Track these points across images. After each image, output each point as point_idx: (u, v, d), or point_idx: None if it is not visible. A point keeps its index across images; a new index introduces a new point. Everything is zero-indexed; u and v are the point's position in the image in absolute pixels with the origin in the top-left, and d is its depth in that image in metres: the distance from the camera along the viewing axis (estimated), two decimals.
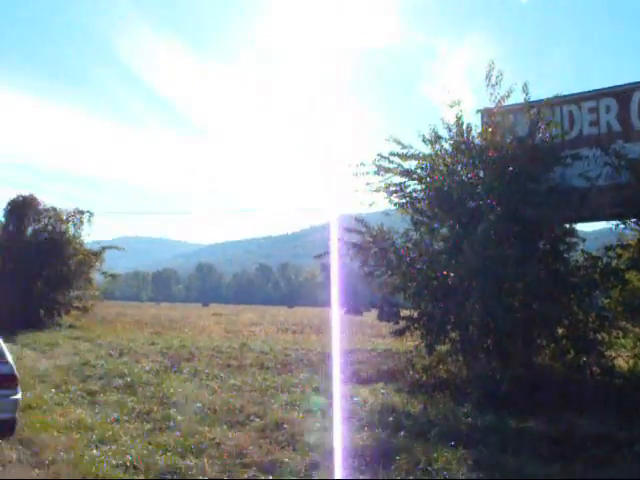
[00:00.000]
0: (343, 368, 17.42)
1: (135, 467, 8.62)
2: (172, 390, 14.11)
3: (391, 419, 10.97)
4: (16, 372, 10.53)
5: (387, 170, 15.47)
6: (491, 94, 14.85)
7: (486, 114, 15.35)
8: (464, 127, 14.92)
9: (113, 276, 41.84)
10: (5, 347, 10.90)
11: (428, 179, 15.07)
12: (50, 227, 37.92)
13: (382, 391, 13.96)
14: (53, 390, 14.58)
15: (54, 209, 38.34)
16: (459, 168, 14.90)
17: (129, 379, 15.82)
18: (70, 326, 35.56)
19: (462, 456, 8.64)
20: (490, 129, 14.66)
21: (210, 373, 17.04)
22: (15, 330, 29.00)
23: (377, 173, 15.56)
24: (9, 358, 10.62)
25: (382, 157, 15.47)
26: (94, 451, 9.30)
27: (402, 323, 15.25)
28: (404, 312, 15.48)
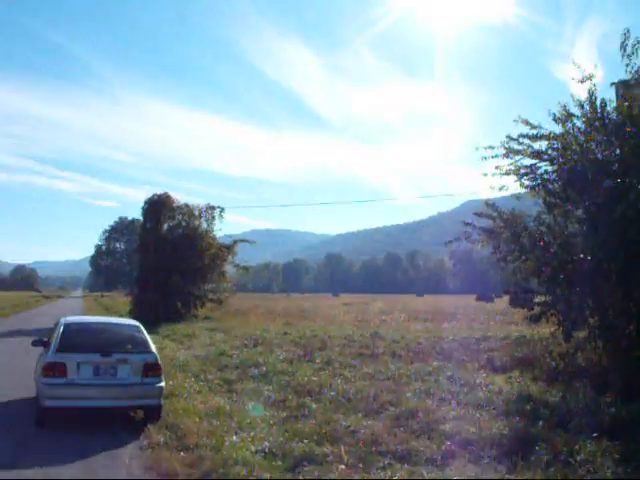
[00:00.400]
0: (476, 356, 17.10)
1: (274, 453, 8.81)
2: (306, 379, 14.29)
3: (528, 408, 10.63)
4: (160, 361, 11.02)
5: (516, 152, 14.95)
6: (627, 65, 14.00)
7: (622, 87, 14.54)
8: (597, 102, 14.17)
9: (245, 268, 42.88)
10: (149, 338, 11.44)
11: (560, 159, 14.43)
12: (184, 223, 39.41)
13: (518, 379, 13.58)
14: (193, 379, 15.14)
15: (187, 205, 39.80)
16: (593, 146, 14.16)
17: (264, 368, 16.17)
18: (206, 318, 36.79)
19: (607, 448, 8.20)
20: (627, 103, 13.83)
21: (343, 362, 17.10)
22: (156, 322, 30.38)
23: (506, 156, 15.06)
24: (153, 348, 11.13)
25: (511, 139, 14.97)
26: (234, 437, 9.57)
27: (537, 309, 14.73)
28: (539, 298, 14.95)
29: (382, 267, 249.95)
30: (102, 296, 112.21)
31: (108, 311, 52.33)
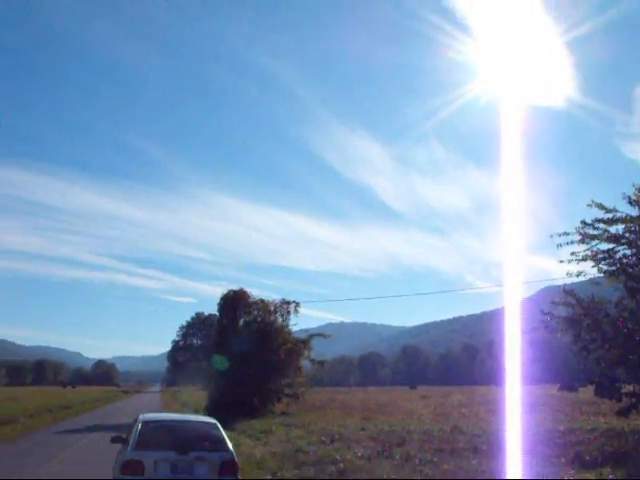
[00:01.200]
0: (563, 450, 16.35)
1: None
2: (385, 476, 13.90)
3: None
4: (236, 459, 10.91)
5: (592, 237, 14.73)
6: None
7: None
8: None
9: (321, 363, 42.70)
10: (226, 435, 11.38)
11: (639, 242, 14.11)
12: (260, 318, 39.73)
13: (610, 476, 12.88)
14: (269, 476, 14.94)
15: (262, 301, 40.21)
16: None
17: (341, 465, 15.79)
18: (282, 413, 36.51)
19: None
20: None
21: (422, 458, 16.57)
22: (232, 417, 30.28)
23: (582, 242, 14.86)
24: (230, 446, 11.05)
25: (586, 224, 14.78)
26: None
27: (625, 400, 14.10)
28: (626, 387, 14.33)
29: (459, 358, 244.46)
30: (179, 391, 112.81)
31: (185, 406, 52.52)
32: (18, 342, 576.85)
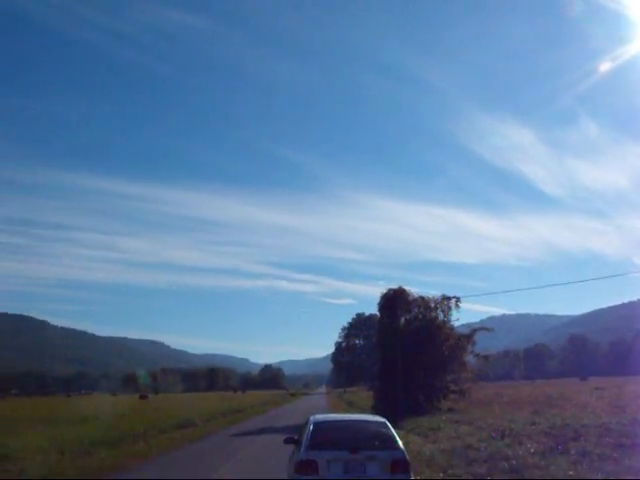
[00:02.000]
0: None
1: None
2: (561, 472, 13.45)
3: None
4: (408, 458, 10.92)
5: None
6: None
7: None
8: None
9: (486, 357, 42.04)
10: (395, 433, 11.43)
11: None
12: (420, 315, 39.64)
13: None
14: (440, 474, 14.83)
15: (422, 298, 40.11)
16: None
17: (514, 462, 15.41)
18: (449, 410, 36.21)
19: None
20: None
21: (601, 453, 15.81)
22: (399, 415, 30.39)
23: None
24: (401, 444, 11.08)
25: None
26: None
27: None
28: None
29: (632, 346, 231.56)
30: (345, 392, 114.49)
31: (351, 407, 53.26)
32: (191, 351, 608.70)
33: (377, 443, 11.03)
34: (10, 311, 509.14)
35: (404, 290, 40.51)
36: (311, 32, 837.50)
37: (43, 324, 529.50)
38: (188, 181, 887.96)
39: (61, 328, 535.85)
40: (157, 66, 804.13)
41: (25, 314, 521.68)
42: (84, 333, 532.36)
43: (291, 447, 12.94)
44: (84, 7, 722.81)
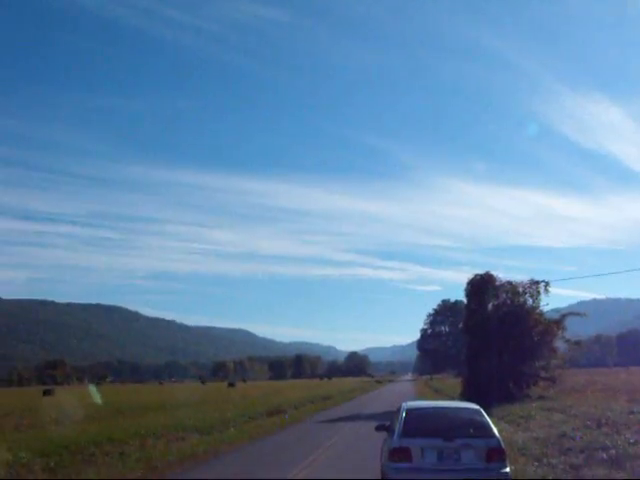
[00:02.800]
0: None
1: None
2: None
3: None
4: (504, 446, 10.72)
5: None
6: None
7: None
8: None
9: (577, 343, 40.99)
10: (490, 421, 11.25)
11: None
12: (508, 301, 38.94)
13: None
14: (535, 463, 14.53)
15: (510, 283, 39.38)
16: None
17: (613, 452, 14.84)
18: (540, 397, 35.48)
19: None
20: None
21: None
22: (488, 403, 29.97)
23: None
24: (495, 431, 10.90)
25: None
26: None
27: None
28: None
29: None
30: (431, 379, 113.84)
31: (438, 393, 52.90)
32: (277, 339, 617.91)
33: (472, 431, 10.86)
34: (104, 302, 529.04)
35: (491, 275, 39.87)
36: (392, 19, 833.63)
37: (135, 315, 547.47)
38: (274, 172, 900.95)
39: (152, 318, 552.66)
40: (242, 61, 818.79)
41: (118, 305, 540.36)
42: (173, 323, 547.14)
43: (382, 434, 12.99)
44: (166, 7, 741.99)
